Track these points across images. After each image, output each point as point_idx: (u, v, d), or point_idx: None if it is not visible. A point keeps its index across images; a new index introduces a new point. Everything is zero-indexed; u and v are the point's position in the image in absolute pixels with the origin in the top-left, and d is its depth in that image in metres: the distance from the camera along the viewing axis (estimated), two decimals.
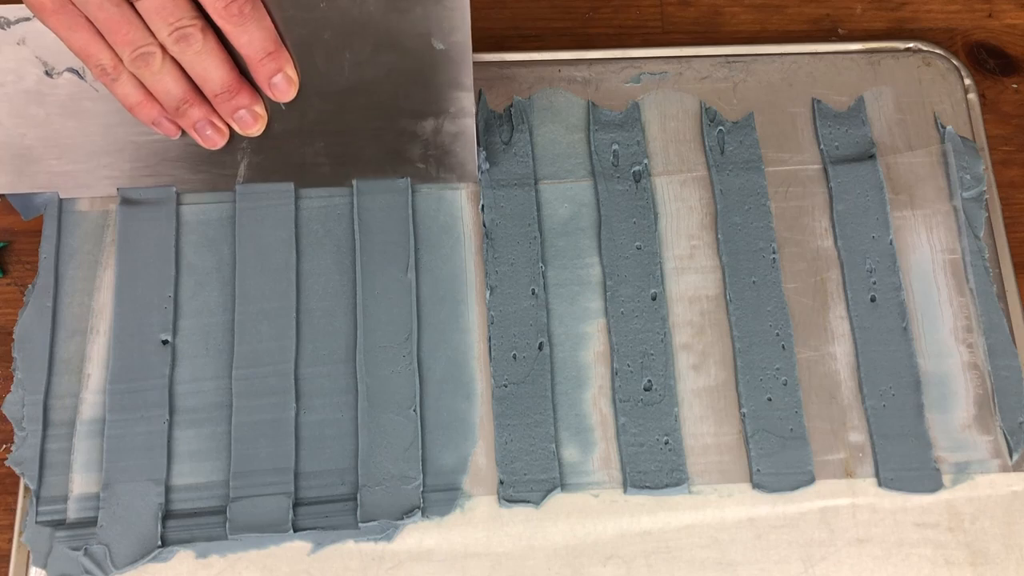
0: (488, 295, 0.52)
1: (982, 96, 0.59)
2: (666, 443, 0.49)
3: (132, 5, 0.45)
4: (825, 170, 0.55)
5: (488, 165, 0.54)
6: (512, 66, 0.57)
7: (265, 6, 0.47)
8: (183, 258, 0.52)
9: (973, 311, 0.52)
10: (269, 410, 0.49)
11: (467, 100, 0.51)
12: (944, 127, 0.56)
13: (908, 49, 0.59)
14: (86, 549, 0.47)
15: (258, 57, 0.48)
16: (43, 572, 0.47)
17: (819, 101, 0.57)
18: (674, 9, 0.62)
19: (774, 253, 0.53)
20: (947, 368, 0.51)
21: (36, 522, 0.47)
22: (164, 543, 0.47)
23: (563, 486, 0.49)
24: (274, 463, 0.48)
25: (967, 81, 0.58)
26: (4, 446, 0.51)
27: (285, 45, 0.49)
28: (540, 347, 0.51)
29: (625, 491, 0.49)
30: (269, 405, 0.49)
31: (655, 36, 0.61)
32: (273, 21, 0.48)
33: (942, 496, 0.49)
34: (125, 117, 0.51)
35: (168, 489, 0.48)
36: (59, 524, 0.47)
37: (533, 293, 0.52)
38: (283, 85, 0.49)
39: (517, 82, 0.57)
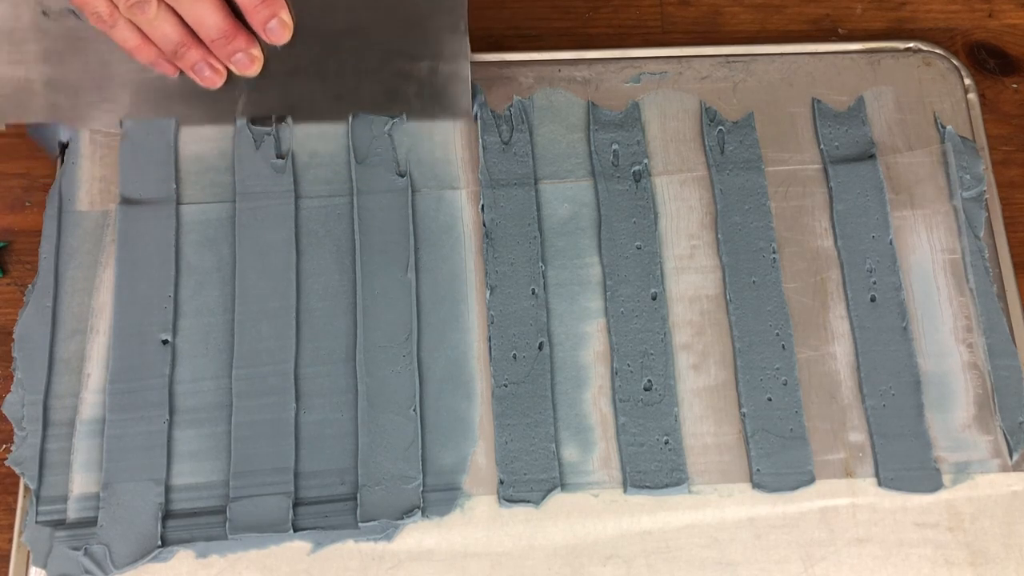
0: (488, 295, 0.52)
1: (982, 96, 0.59)
2: (666, 443, 0.49)
3: None
4: (825, 170, 0.55)
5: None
6: (512, 66, 0.57)
7: None
8: (183, 258, 0.52)
9: (973, 311, 0.52)
10: (269, 410, 0.49)
11: (462, 42, 0.53)
12: (944, 127, 0.56)
13: (908, 49, 0.59)
14: (86, 549, 0.46)
15: (253, 4, 0.49)
16: (43, 572, 0.47)
17: (819, 101, 0.57)
18: (674, 9, 0.62)
19: (774, 253, 0.53)
20: (947, 368, 0.51)
21: (36, 522, 0.47)
22: (164, 543, 0.47)
23: (563, 486, 0.49)
24: (274, 463, 0.48)
25: (967, 81, 0.58)
26: (4, 446, 0.51)
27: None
28: (540, 347, 0.51)
29: (625, 491, 0.49)
30: (269, 405, 0.49)
31: (655, 36, 0.61)
32: None
33: (942, 496, 0.49)
34: (124, 54, 0.52)
35: (168, 489, 0.48)
36: (59, 524, 0.47)
37: (533, 293, 0.52)
38: (278, 29, 0.50)
39: (517, 82, 0.57)
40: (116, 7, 0.48)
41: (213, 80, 0.52)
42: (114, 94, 0.53)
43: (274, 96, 0.53)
